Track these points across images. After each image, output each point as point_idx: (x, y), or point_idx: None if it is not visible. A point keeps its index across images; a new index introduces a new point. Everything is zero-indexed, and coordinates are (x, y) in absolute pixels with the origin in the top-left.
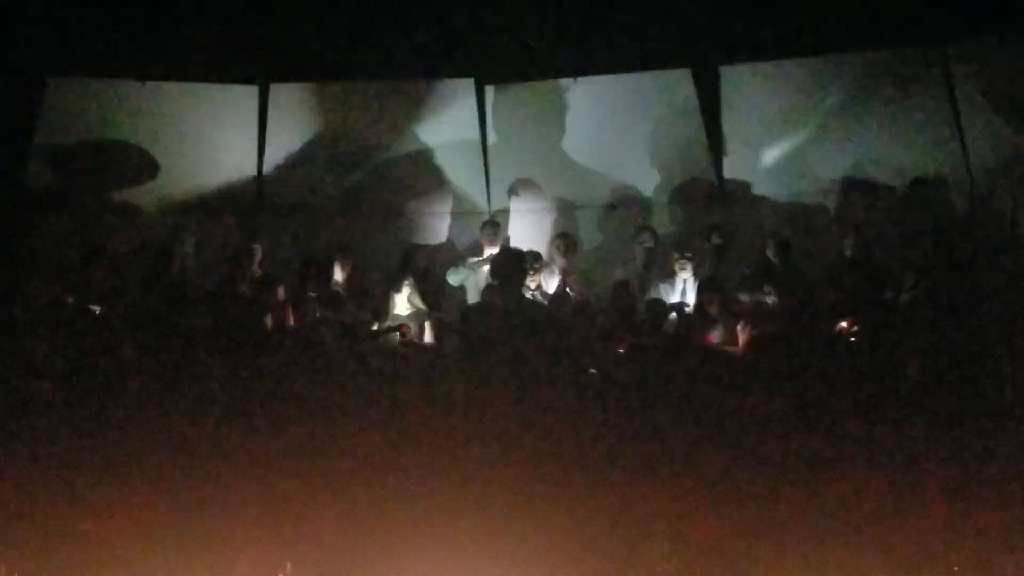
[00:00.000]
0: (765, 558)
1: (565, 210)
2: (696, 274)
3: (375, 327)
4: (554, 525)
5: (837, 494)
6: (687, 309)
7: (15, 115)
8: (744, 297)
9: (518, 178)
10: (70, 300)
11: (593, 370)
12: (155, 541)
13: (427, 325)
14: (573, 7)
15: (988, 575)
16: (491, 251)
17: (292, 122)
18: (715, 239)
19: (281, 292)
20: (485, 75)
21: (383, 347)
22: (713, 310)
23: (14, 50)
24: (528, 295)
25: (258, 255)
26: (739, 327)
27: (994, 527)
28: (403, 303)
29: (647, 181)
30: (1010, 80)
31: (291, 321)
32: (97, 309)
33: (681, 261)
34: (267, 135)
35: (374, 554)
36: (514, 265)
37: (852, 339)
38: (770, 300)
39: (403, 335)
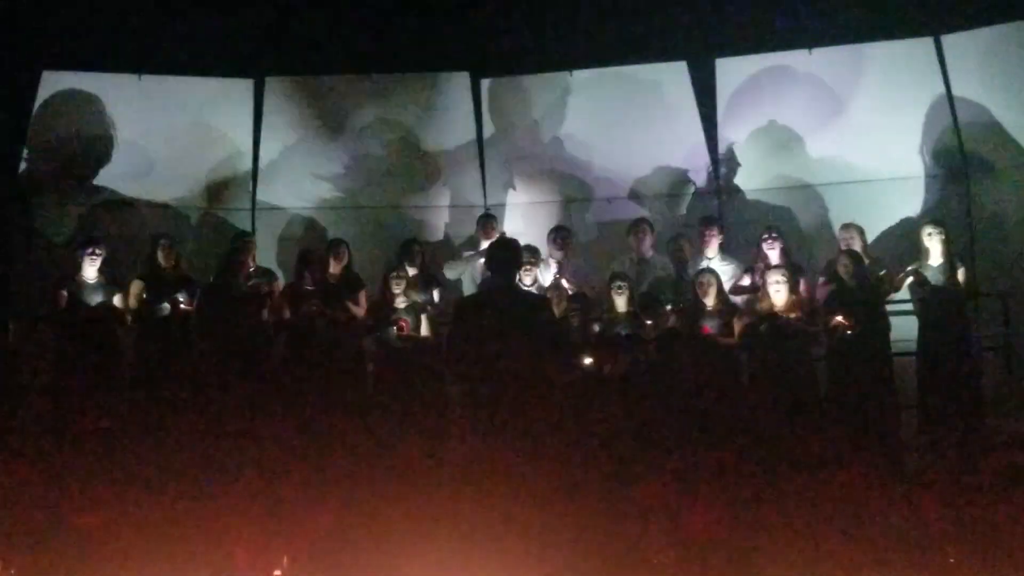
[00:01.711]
0: (763, 554)
1: (561, 203)
2: (691, 267)
3: (372, 321)
4: (552, 520)
5: (836, 489)
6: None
7: (10, 108)
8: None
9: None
10: (65, 295)
11: (589, 361)
12: (153, 536)
13: (423, 318)
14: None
15: (986, 568)
16: (487, 244)
17: (287, 115)
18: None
19: (278, 286)
20: (481, 68)
21: (380, 340)
22: (709, 301)
23: (9, 43)
24: (524, 288)
25: (254, 249)
26: (736, 318)
27: (993, 522)
28: (400, 296)
29: (644, 174)
30: (1007, 71)
31: (287, 315)
32: (91, 303)
33: (676, 254)
34: (262, 128)
35: (371, 549)
36: (509, 254)
37: (848, 332)
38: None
39: (400, 329)
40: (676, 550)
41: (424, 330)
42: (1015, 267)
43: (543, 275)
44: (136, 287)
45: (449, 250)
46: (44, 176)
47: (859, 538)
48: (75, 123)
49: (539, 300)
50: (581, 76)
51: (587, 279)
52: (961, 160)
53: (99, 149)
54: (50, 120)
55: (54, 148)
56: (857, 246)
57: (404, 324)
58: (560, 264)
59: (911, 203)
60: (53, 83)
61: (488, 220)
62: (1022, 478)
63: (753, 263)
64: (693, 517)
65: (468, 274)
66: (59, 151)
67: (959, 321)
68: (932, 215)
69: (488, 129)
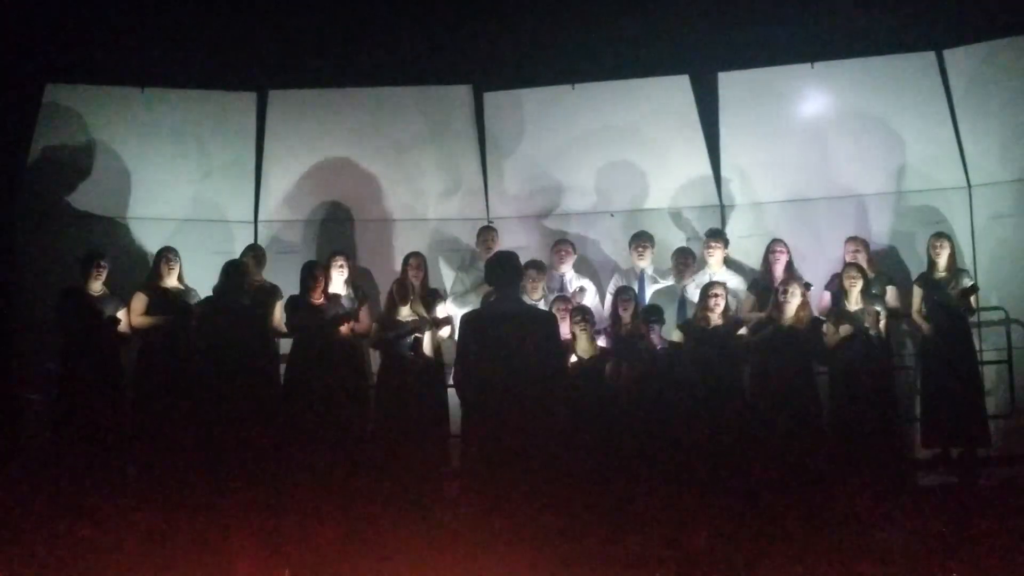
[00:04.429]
0: (765, 567)
1: (564, 216)
2: (694, 279)
3: (390, 334)
4: (553, 534)
5: (838, 502)
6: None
7: (13, 121)
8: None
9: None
10: (69, 306)
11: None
12: (154, 548)
13: (428, 334)
14: (571, 13)
15: None
16: (487, 256)
17: (290, 129)
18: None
19: (283, 297)
20: (484, 82)
21: (387, 354)
22: (715, 314)
23: (13, 55)
24: (529, 302)
25: (263, 261)
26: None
27: (996, 536)
28: (406, 310)
29: (647, 187)
30: (1009, 84)
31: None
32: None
33: (681, 266)
34: (265, 141)
35: (373, 563)
36: (508, 268)
37: (849, 344)
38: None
39: (417, 342)
40: (678, 563)
41: (428, 344)
42: (1017, 280)
43: (547, 288)
44: (139, 300)
45: (452, 263)
46: (47, 188)
47: (862, 551)
48: (79, 136)
49: (544, 314)
50: (584, 89)
51: (591, 292)
52: (963, 173)
53: (101, 161)
54: (53, 132)
55: (57, 160)
56: (862, 259)
57: (420, 340)
58: (563, 277)
59: (914, 216)
60: (56, 95)
61: (488, 232)
62: None
63: (760, 276)
64: (695, 530)
65: (471, 287)
66: (62, 163)
67: (962, 334)
68: (937, 228)
69: (491, 142)
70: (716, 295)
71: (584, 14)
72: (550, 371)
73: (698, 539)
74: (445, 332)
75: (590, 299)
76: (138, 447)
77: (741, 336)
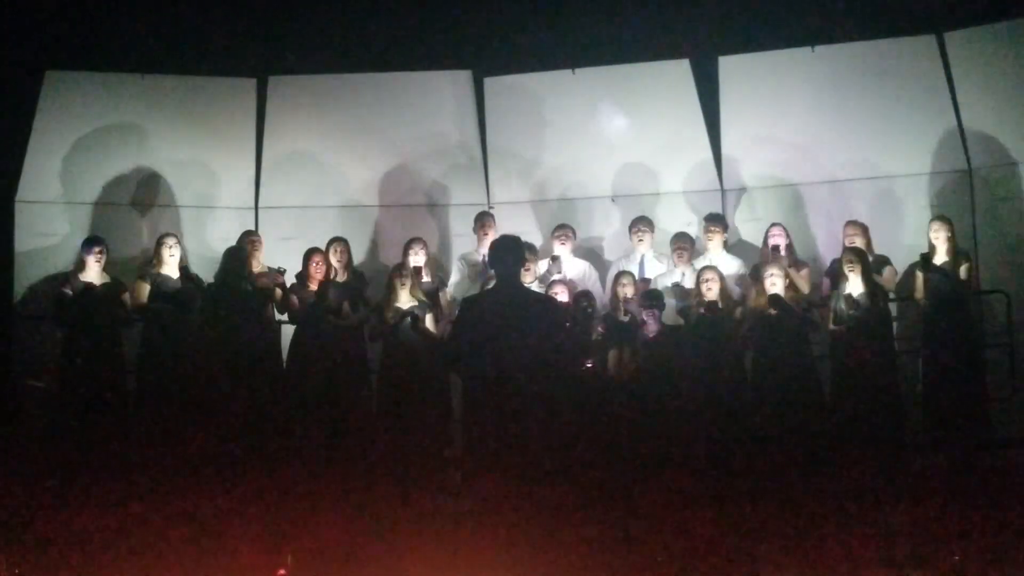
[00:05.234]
0: (765, 552)
1: (564, 201)
2: (694, 264)
3: (388, 316)
4: (554, 521)
5: (839, 487)
6: (683, 284)
7: (13, 108)
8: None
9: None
10: (68, 292)
11: (588, 364)
12: (157, 534)
13: (429, 318)
14: None
15: (991, 566)
16: (487, 242)
17: (290, 114)
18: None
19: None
20: (484, 66)
21: (387, 339)
22: (712, 296)
23: (12, 42)
24: (527, 286)
25: (261, 247)
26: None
27: (998, 520)
28: (405, 295)
29: (646, 172)
30: (1010, 67)
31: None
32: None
33: (679, 251)
34: (265, 127)
35: (375, 548)
36: (510, 251)
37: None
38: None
39: (416, 319)
40: (677, 549)
41: (430, 328)
42: (1018, 264)
43: (544, 271)
44: (139, 287)
45: (452, 249)
46: (47, 175)
47: (863, 536)
48: (77, 122)
49: (546, 299)
50: (584, 74)
51: (591, 276)
52: (964, 157)
53: (101, 148)
54: (53, 119)
55: (56, 147)
56: (861, 243)
57: (420, 316)
58: (563, 261)
59: (915, 200)
60: (56, 82)
61: (485, 218)
62: None
63: (761, 260)
64: (695, 516)
65: (470, 272)
66: (61, 150)
67: (964, 318)
68: (937, 212)
69: (491, 127)
70: (708, 279)
71: None
72: (551, 356)
73: (700, 524)
74: (445, 309)
75: (574, 271)
76: (140, 434)
77: (738, 321)
